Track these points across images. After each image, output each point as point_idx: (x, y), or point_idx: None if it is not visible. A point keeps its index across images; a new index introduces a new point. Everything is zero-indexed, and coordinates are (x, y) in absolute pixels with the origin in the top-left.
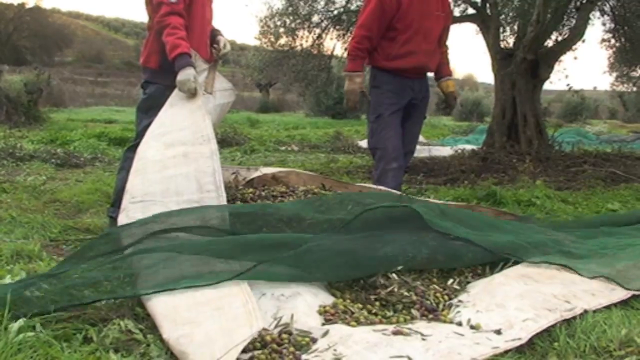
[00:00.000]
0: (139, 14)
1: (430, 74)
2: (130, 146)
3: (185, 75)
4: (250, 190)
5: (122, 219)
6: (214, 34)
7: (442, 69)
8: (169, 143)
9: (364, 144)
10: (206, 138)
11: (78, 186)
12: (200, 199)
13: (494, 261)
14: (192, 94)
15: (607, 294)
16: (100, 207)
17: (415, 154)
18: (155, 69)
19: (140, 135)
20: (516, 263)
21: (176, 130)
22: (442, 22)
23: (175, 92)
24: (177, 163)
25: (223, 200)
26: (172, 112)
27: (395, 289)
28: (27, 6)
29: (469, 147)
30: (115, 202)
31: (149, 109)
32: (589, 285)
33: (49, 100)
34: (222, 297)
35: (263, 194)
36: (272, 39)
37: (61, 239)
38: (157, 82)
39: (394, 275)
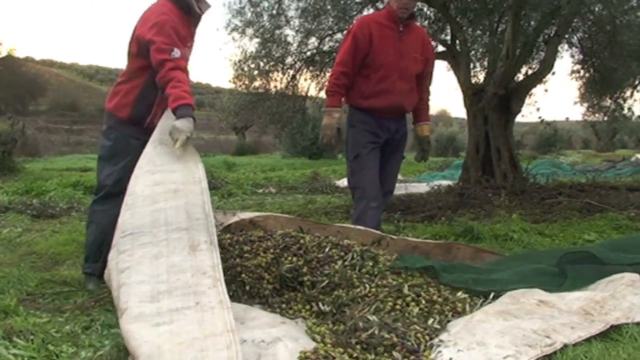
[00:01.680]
0: (113, 61)
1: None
2: (96, 199)
3: (184, 125)
4: (228, 235)
5: (112, 255)
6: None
7: (421, 114)
8: (158, 181)
9: (341, 183)
10: (197, 180)
11: (54, 237)
12: (189, 226)
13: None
14: (180, 143)
15: (587, 326)
16: (77, 258)
17: (412, 189)
18: (123, 118)
19: (102, 185)
20: (496, 298)
21: (167, 171)
22: (420, 65)
23: (164, 127)
24: (167, 198)
25: (212, 227)
26: (162, 151)
27: (376, 332)
28: (0, 55)
29: (445, 182)
30: (89, 257)
31: (112, 157)
32: (569, 318)
33: (23, 150)
34: (207, 337)
35: (241, 239)
36: (247, 82)
37: (38, 292)
38: (123, 131)
39: (374, 317)
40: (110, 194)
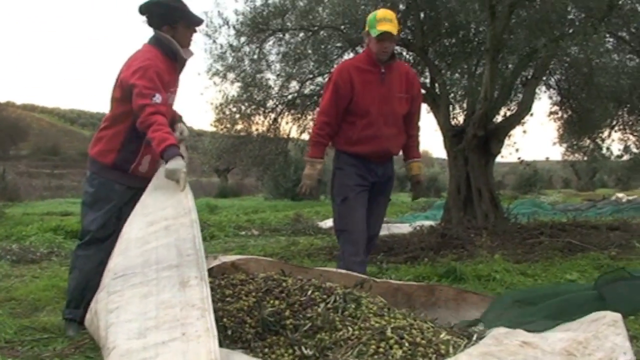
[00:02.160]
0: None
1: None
2: (80, 244)
3: (176, 164)
4: (210, 279)
5: (101, 296)
6: (174, 119)
7: (411, 152)
8: (151, 221)
9: (324, 224)
10: (187, 210)
11: (34, 283)
12: (179, 263)
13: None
14: (183, 183)
15: None
16: (57, 304)
17: (395, 230)
18: (107, 164)
19: (86, 230)
20: (480, 339)
21: (159, 210)
22: (405, 105)
23: (159, 174)
24: (158, 236)
25: (202, 262)
26: (156, 195)
27: None
28: None
29: (427, 223)
30: (70, 303)
31: (96, 203)
32: (552, 358)
33: (3, 195)
34: None
35: (222, 282)
36: (229, 125)
37: (17, 340)
38: (107, 177)
39: None
40: (94, 239)
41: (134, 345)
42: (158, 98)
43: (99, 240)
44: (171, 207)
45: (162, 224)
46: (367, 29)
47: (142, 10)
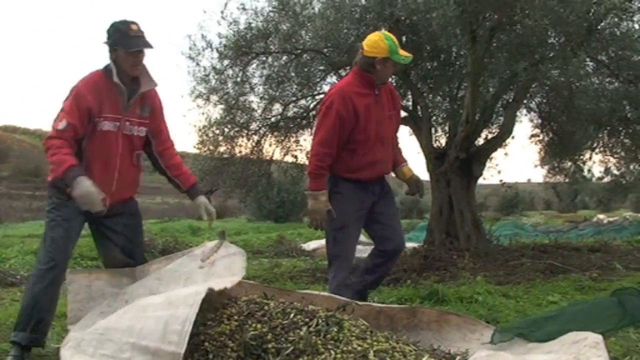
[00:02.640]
0: None
1: None
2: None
3: (81, 189)
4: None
5: (75, 339)
6: (192, 193)
7: (398, 159)
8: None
9: (307, 246)
10: (194, 292)
11: (14, 306)
12: (156, 349)
13: None
14: (97, 207)
15: None
16: None
17: (357, 254)
18: (50, 181)
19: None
20: None
21: (171, 289)
22: (394, 124)
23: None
24: (157, 308)
25: (179, 357)
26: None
27: None
28: None
29: (410, 245)
30: (17, 325)
31: (50, 221)
32: None
33: None
34: None
35: (204, 306)
36: (211, 147)
37: None
38: (51, 195)
39: None
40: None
41: None
42: (62, 124)
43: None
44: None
45: (166, 299)
46: (384, 54)
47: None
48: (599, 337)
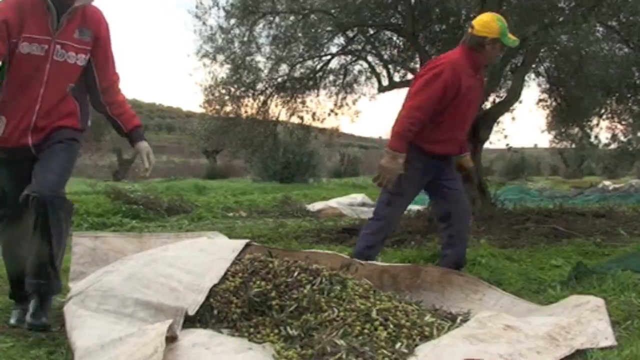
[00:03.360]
0: None
1: None
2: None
3: None
4: None
5: (76, 300)
6: (134, 136)
7: (463, 144)
8: (169, 274)
9: (312, 207)
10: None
11: None
12: (159, 304)
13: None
14: None
15: (552, 350)
16: None
17: (362, 216)
18: None
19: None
20: (464, 322)
21: (183, 272)
22: (476, 111)
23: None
24: (161, 290)
25: (182, 312)
26: (195, 254)
27: (344, 356)
28: None
29: (415, 207)
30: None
31: None
32: (535, 342)
33: None
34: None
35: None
36: (218, 107)
37: (2, 316)
38: None
39: (341, 341)
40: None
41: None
42: None
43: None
44: (194, 275)
45: (173, 284)
46: (495, 35)
47: None
48: (600, 301)
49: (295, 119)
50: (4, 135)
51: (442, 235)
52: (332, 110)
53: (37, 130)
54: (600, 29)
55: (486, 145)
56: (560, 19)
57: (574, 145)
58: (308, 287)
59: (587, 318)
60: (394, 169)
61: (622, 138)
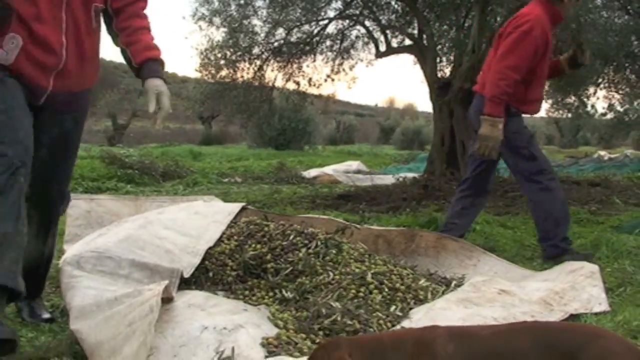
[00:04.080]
0: None
1: None
2: None
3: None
4: None
5: (71, 259)
6: (145, 72)
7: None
8: (164, 236)
9: (307, 174)
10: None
11: None
12: (155, 265)
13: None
14: None
15: (546, 315)
16: None
17: (358, 183)
18: None
19: None
20: (458, 286)
21: (179, 234)
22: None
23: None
24: (157, 252)
25: (178, 273)
26: (190, 217)
27: (339, 318)
28: None
29: (410, 175)
30: None
31: None
32: (529, 307)
33: None
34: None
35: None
36: (213, 72)
37: None
38: None
39: (336, 304)
40: None
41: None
42: None
43: None
44: (190, 237)
45: (168, 246)
46: None
47: None
48: (595, 267)
49: (291, 85)
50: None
51: (457, 202)
52: (328, 76)
53: (64, 74)
54: None
55: None
56: None
57: (570, 115)
58: (303, 250)
59: (582, 284)
60: (496, 136)
61: (618, 108)
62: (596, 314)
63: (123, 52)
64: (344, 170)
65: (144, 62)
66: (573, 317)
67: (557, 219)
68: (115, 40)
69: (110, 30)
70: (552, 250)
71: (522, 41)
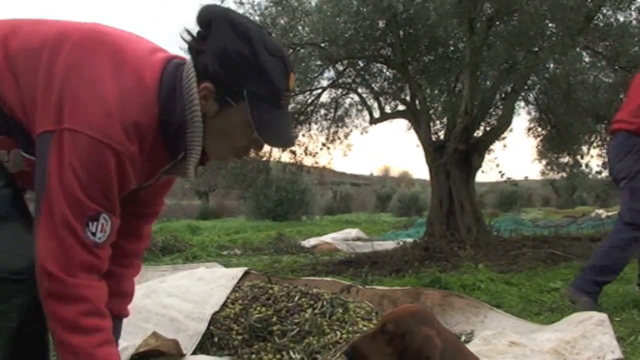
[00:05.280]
0: None
1: None
2: None
3: None
4: None
5: None
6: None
7: None
8: (168, 304)
9: (307, 243)
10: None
11: None
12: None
13: None
14: None
15: None
16: None
17: (358, 250)
18: None
19: None
20: (467, 342)
21: (183, 300)
22: None
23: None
24: (160, 322)
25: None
26: (193, 283)
27: None
28: None
29: (409, 240)
30: None
31: None
32: (541, 357)
33: None
34: None
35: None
36: None
37: None
38: None
39: None
40: None
41: None
42: (104, 225)
43: None
44: (195, 303)
45: (173, 313)
46: None
47: (204, 18)
48: (604, 316)
49: (287, 155)
50: None
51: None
52: (324, 144)
53: None
54: (587, 58)
55: (477, 177)
56: (549, 45)
57: (564, 175)
58: (309, 311)
59: (592, 332)
60: None
61: None
62: None
63: None
64: (343, 238)
65: None
66: None
67: (615, 268)
68: None
69: None
70: (582, 284)
71: None
